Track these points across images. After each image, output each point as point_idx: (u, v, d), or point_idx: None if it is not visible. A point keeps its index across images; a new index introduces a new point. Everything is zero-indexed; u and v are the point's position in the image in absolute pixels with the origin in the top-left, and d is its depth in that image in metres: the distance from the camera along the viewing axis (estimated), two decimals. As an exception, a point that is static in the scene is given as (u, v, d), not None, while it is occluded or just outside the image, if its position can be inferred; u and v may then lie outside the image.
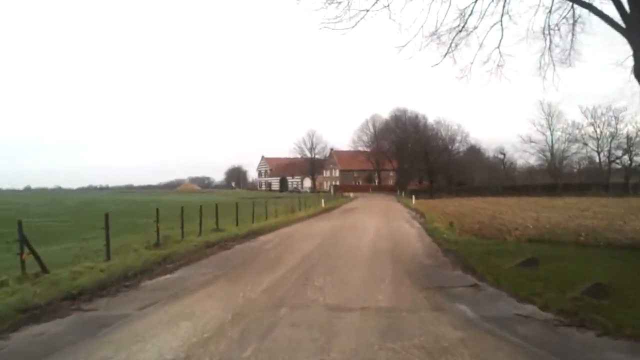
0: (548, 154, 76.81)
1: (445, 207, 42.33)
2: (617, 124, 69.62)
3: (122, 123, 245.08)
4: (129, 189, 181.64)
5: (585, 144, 71.42)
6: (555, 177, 76.04)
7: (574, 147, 73.73)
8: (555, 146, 76.44)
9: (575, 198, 56.66)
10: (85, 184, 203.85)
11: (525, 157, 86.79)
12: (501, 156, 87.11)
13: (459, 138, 73.40)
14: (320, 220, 32.42)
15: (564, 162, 76.10)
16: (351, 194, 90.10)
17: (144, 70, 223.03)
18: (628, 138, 68.71)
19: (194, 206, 24.77)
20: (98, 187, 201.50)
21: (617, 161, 70.60)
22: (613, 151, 70.12)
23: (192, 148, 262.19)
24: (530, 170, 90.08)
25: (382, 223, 28.44)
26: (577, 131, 72.23)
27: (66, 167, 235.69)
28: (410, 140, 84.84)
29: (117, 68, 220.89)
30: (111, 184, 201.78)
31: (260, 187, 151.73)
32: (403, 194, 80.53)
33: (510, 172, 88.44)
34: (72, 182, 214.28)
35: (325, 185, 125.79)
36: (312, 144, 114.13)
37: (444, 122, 73.40)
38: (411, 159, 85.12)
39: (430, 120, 78.34)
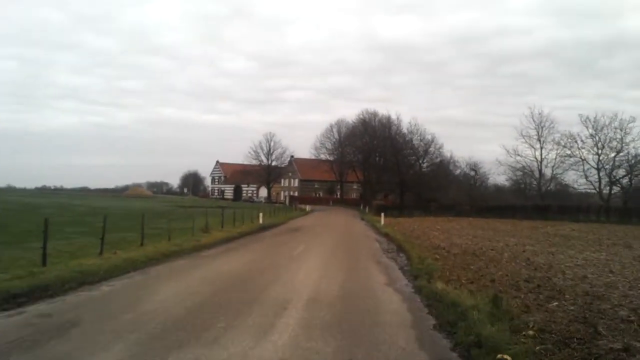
0: (536, 170, 65.74)
1: (429, 233, 30.08)
2: (623, 137, 58.74)
3: (84, 124, 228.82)
4: (83, 191, 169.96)
5: (583, 160, 60.46)
6: (542, 197, 65.08)
7: (568, 163, 62.80)
8: (545, 162, 65.56)
9: (580, 225, 45.36)
10: (40, 183, 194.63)
11: (505, 174, 76.01)
12: (472, 172, 76.24)
13: (432, 149, 61.89)
14: (229, 254, 18.24)
15: (554, 179, 65.05)
16: (308, 207, 77.49)
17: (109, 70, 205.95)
18: (630, 156, 58.19)
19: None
20: (52, 188, 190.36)
21: (618, 182, 59.83)
22: (616, 170, 59.28)
23: (155, 151, 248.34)
24: (500, 189, 79.39)
25: (331, 269, 15.76)
26: (575, 143, 61.22)
27: (23, 165, 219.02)
28: (378, 148, 72.96)
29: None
30: (67, 185, 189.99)
31: (213, 194, 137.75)
32: (367, 209, 68.37)
33: (481, 190, 77.50)
34: (27, 181, 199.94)
35: (283, 196, 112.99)
36: (270, 149, 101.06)
37: (418, 130, 61.93)
38: (379, 170, 73.15)
39: (406, 124, 65.86)
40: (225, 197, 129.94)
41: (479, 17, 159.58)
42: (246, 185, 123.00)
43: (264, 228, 32.79)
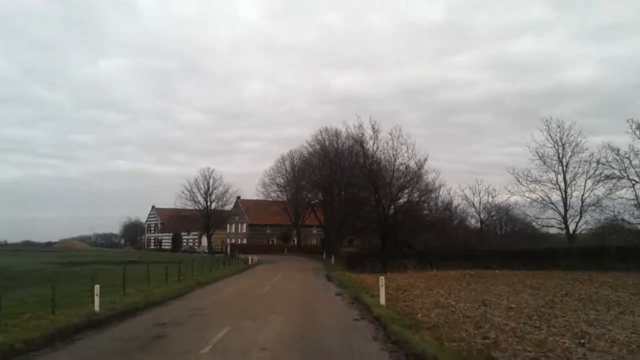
0: (559, 201, 48.04)
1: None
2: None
3: (31, 177, 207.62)
4: (24, 245, 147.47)
5: (633, 181, 42.71)
6: (570, 239, 47.40)
7: (605, 188, 45.19)
8: (570, 190, 48.14)
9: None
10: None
11: (485, 213, 59.14)
12: (447, 212, 58.56)
13: (423, 172, 43.14)
14: None
15: (583, 214, 47.34)
16: (255, 258, 57.46)
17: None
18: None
19: None
20: None
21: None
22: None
23: (106, 204, 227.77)
24: (472, 233, 62.21)
25: None
26: (621, 162, 43.74)
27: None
28: (345, 178, 54.20)
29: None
30: (11, 239, 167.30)
31: (149, 245, 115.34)
32: (333, 260, 48.87)
33: (462, 233, 59.76)
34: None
35: (224, 245, 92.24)
36: (208, 188, 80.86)
37: (402, 145, 43.10)
38: (344, 208, 54.16)
39: (385, 137, 44.60)
40: (163, 247, 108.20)
41: (426, 71, 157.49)
42: (186, 233, 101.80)
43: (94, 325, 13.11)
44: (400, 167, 41.65)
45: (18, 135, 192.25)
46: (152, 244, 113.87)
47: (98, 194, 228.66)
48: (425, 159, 41.48)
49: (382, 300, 16.35)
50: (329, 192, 62.45)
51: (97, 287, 16.05)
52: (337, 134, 58.33)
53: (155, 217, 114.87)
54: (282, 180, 76.29)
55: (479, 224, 58.02)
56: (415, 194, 41.31)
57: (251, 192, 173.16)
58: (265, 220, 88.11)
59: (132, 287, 22.82)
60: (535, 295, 20.14)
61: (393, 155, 41.45)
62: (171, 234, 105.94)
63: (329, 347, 10.42)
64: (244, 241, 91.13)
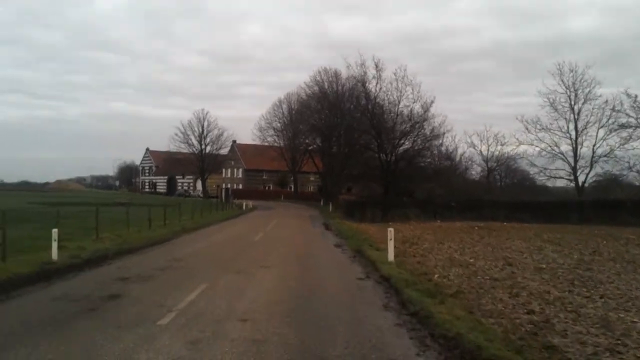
0: (569, 152, 45.48)
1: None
2: None
3: (29, 118, 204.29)
4: (20, 185, 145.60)
5: None
6: (579, 191, 45.08)
7: (619, 138, 42.56)
8: (580, 139, 45.48)
9: None
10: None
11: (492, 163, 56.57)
12: (447, 162, 55.70)
13: (430, 116, 39.98)
14: None
15: (594, 165, 44.86)
16: (250, 204, 55.24)
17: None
18: None
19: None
20: None
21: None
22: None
23: (106, 145, 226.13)
24: (475, 183, 59.64)
25: None
26: (632, 109, 41.01)
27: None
28: (345, 121, 51.24)
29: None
30: (7, 179, 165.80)
31: (144, 188, 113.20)
32: (331, 207, 46.63)
33: (465, 182, 57.13)
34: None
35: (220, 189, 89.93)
36: (203, 131, 77.76)
37: (408, 86, 39.84)
38: (344, 154, 51.49)
39: (389, 77, 40.97)
40: (158, 190, 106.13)
41: (428, 17, 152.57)
42: (181, 177, 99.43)
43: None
44: (405, 110, 38.63)
45: (17, 76, 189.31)
46: (147, 187, 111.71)
47: (96, 136, 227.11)
48: (432, 102, 38.40)
49: (391, 256, 13.90)
50: (327, 137, 59.58)
51: (54, 232, 13.55)
52: (337, 75, 54.88)
53: (150, 159, 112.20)
54: (278, 125, 73.32)
55: (486, 173, 55.23)
56: (420, 140, 38.39)
57: (249, 137, 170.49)
58: (262, 165, 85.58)
59: (110, 232, 20.59)
60: (560, 252, 17.74)
61: (397, 97, 38.34)
62: (166, 177, 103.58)
63: (329, 319, 7.94)
64: (240, 186, 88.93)
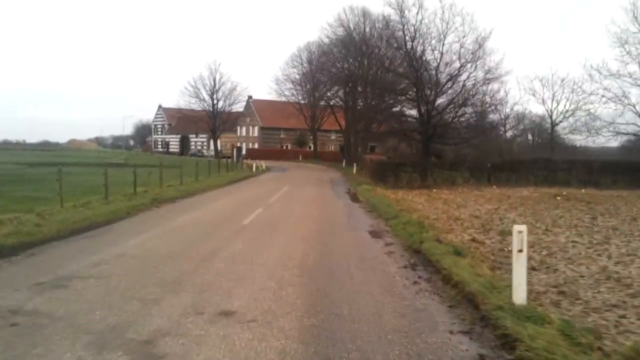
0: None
1: None
2: None
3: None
4: (42, 144, 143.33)
5: None
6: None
7: None
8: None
9: None
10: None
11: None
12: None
13: (481, 56, 31.24)
14: None
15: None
16: (263, 164, 47.82)
17: None
18: None
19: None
20: (14, 142, 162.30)
21: None
22: None
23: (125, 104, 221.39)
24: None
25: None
26: None
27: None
28: (374, 67, 42.77)
29: None
30: (30, 139, 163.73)
31: (156, 147, 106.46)
32: (355, 170, 39.00)
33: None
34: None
35: (243, 149, 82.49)
36: (214, 84, 69.72)
37: (456, 19, 31.06)
38: (372, 106, 43.28)
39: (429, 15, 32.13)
40: (170, 150, 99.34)
41: None
42: (194, 135, 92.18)
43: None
44: (452, 48, 30.01)
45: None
46: (160, 146, 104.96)
47: (116, 95, 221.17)
48: (489, 34, 29.70)
49: (521, 293, 5.94)
50: (352, 89, 51.30)
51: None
52: (365, 14, 46.09)
53: (163, 117, 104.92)
54: (297, 77, 64.91)
55: (549, 126, 45.87)
56: (471, 84, 29.79)
57: (264, 93, 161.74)
58: (279, 123, 77.61)
59: (74, 200, 14.08)
60: None
61: (443, 31, 29.68)
62: (179, 136, 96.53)
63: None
64: (256, 145, 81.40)
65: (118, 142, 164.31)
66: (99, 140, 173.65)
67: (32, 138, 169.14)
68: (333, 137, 77.10)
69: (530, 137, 58.73)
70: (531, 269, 7.80)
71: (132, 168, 25.59)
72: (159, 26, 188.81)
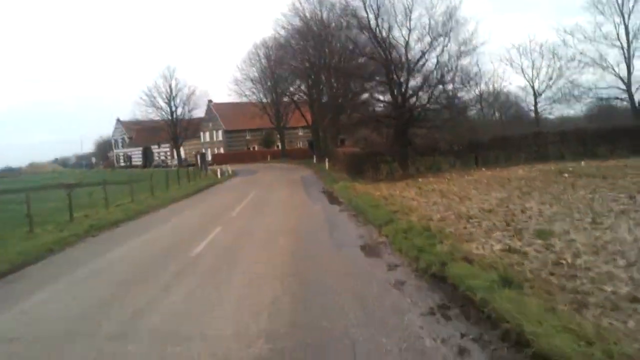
0: (619, 64, 34.88)
1: None
2: None
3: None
4: (5, 170, 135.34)
5: None
6: (636, 112, 34.63)
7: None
8: (633, 46, 34.81)
9: None
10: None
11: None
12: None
13: (453, 29, 28.56)
14: None
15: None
16: (229, 169, 44.39)
17: None
18: None
19: None
20: None
21: None
22: None
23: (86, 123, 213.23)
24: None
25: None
26: None
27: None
28: (335, 56, 39.79)
29: None
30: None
31: (119, 162, 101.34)
32: (327, 165, 36.05)
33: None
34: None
35: (207, 154, 78.41)
36: (171, 91, 65.64)
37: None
38: (338, 95, 40.30)
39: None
40: (133, 163, 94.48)
41: None
42: (157, 146, 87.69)
43: None
44: (422, 21, 27.14)
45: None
46: (122, 161, 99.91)
47: (76, 116, 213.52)
48: (461, 2, 27.04)
49: None
50: (315, 82, 48.20)
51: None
52: (321, 1, 42.84)
53: (122, 130, 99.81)
54: (256, 75, 61.32)
55: (533, 98, 43.21)
56: (445, 59, 27.01)
57: (225, 96, 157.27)
58: (243, 124, 73.86)
59: None
60: None
61: (409, 4, 26.77)
62: (141, 149, 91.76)
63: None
64: (221, 150, 77.59)
65: (81, 161, 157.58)
66: (61, 161, 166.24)
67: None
68: (301, 133, 73.95)
69: (497, 114, 56.70)
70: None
71: (86, 188, 22.28)
72: (110, 35, 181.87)
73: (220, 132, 79.11)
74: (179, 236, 12.22)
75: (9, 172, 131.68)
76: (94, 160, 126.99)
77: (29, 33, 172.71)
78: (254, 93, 62.86)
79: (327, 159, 37.90)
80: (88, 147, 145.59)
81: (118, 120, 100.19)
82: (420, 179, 21.70)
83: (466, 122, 37.71)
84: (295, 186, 25.21)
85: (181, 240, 11.37)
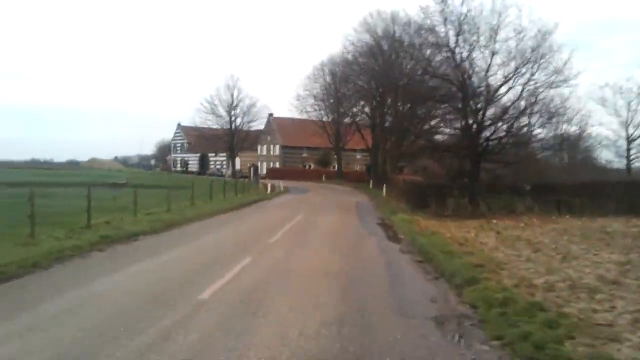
0: None
1: None
2: None
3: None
4: (69, 164, 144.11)
5: None
6: None
7: None
8: None
9: None
10: (29, 157, 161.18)
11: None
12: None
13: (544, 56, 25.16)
14: None
15: None
16: (281, 185, 42.23)
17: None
18: None
19: None
20: (42, 160, 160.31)
21: None
22: None
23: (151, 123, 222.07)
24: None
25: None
26: None
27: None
28: (404, 78, 37.09)
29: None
30: (57, 158, 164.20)
31: (175, 166, 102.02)
32: (384, 192, 33.09)
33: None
34: (20, 154, 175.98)
35: (261, 168, 77.10)
36: (232, 100, 64.77)
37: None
38: (404, 118, 37.41)
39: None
40: (189, 169, 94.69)
41: None
42: (214, 154, 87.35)
43: None
44: (505, 46, 23.97)
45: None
46: (179, 165, 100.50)
47: (139, 114, 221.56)
48: (556, 26, 23.63)
49: None
50: (380, 104, 45.53)
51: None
52: (394, 18, 40.42)
53: (182, 135, 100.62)
54: (319, 92, 59.36)
55: (626, 142, 38.74)
56: (531, 88, 23.59)
57: (285, 110, 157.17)
58: (301, 141, 72.21)
59: None
60: None
61: (495, 25, 23.73)
62: (198, 155, 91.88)
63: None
64: (277, 165, 76.03)
65: (142, 162, 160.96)
66: (121, 160, 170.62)
67: (61, 157, 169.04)
68: (358, 156, 71.24)
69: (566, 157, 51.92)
70: None
71: (133, 189, 20.73)
72: (178, 40, 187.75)
73: (277, 147, 77.72)
74: (196, 265, 9.63)
75: (70, 165, 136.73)
76: (153, 162, 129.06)
77: (100, 34, 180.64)
78: (315, 110, 61.01)
79: (384, 186, 34.91)
80: (149, 149, 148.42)
81: (179, 125, 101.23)
82: (494, 221, 18.40)
83: (542, 162, 33.99)
84: (349, 213, 22.38)
85: (194, 273, 8.77)
